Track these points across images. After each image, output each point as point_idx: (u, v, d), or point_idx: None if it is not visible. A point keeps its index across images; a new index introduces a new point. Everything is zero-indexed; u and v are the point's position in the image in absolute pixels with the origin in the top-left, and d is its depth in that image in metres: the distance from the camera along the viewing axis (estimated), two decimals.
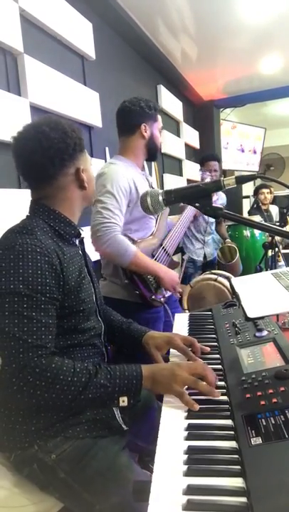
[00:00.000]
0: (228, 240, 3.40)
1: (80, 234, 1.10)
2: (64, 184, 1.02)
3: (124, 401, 0.88)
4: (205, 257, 3.20)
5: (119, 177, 1.57)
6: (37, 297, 0.87)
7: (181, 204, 2.39)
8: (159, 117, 1.78)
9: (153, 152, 1.77)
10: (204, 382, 0.87)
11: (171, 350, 1.14)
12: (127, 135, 1.71)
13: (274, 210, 4.76)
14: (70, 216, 1.05)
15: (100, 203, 1.52)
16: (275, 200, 5.20)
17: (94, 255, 1.17)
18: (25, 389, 0.82)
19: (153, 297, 1.64)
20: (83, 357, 1.01)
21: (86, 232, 1.20)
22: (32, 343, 0.84)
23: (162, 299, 1.68)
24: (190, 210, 2.06)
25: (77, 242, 1.09)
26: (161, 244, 1.76)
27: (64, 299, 0.95)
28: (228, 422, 0.76)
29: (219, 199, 3.30)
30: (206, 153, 3.68)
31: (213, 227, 3.24)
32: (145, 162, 1.86)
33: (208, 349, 1.10)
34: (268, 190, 4.40)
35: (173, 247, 1.84)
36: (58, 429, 0.92)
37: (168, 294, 1.76)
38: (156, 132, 1.74)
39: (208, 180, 2.63)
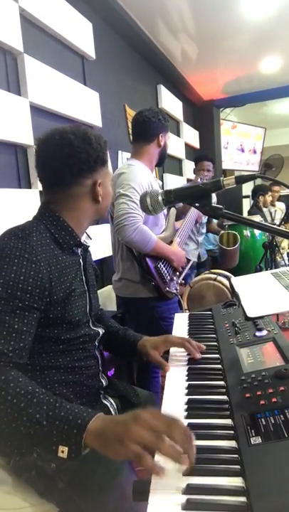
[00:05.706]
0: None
1: (82, 244, 1.06)
2: (77, 194, 1.01)
3: (63, 452, 0.70)
4: (199, 257, 3.21)
5: (141, 177, 1.72)
6: (14, 302, 0.83)
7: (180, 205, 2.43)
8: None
9: (163, 158, 1.96)
10: (171, 442, 0.64)
11: (172, 355, 1.13)
12: (144, 142, 1.85)
13: (281, 207, 4.91)
14: (76, 226, 1.02)
15: (125, 196, 1.63)
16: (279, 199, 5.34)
17: (97, 254, 1.16)
18: None
19: (167, 289, 1.77)
20: (72, 360, 0.99)
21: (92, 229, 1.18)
22: None
23: (175, 291, 1.82)
24: (193, 212, 2.12)
25: (79, 251, 1.06)
26: (172, 241, 1.91)
27: (49, 309, 0.91)
28: (228, 421, 0.76)
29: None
30: (200, 153, 3.71)
31: (204, 229, 3.25)
32: None
33: (204, 347, 1.09)
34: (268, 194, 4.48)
35: (181, 245, 1.97)
36: None
37: (178, 287, 1.90)
38: (167, 141, 1.92)
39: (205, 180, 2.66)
